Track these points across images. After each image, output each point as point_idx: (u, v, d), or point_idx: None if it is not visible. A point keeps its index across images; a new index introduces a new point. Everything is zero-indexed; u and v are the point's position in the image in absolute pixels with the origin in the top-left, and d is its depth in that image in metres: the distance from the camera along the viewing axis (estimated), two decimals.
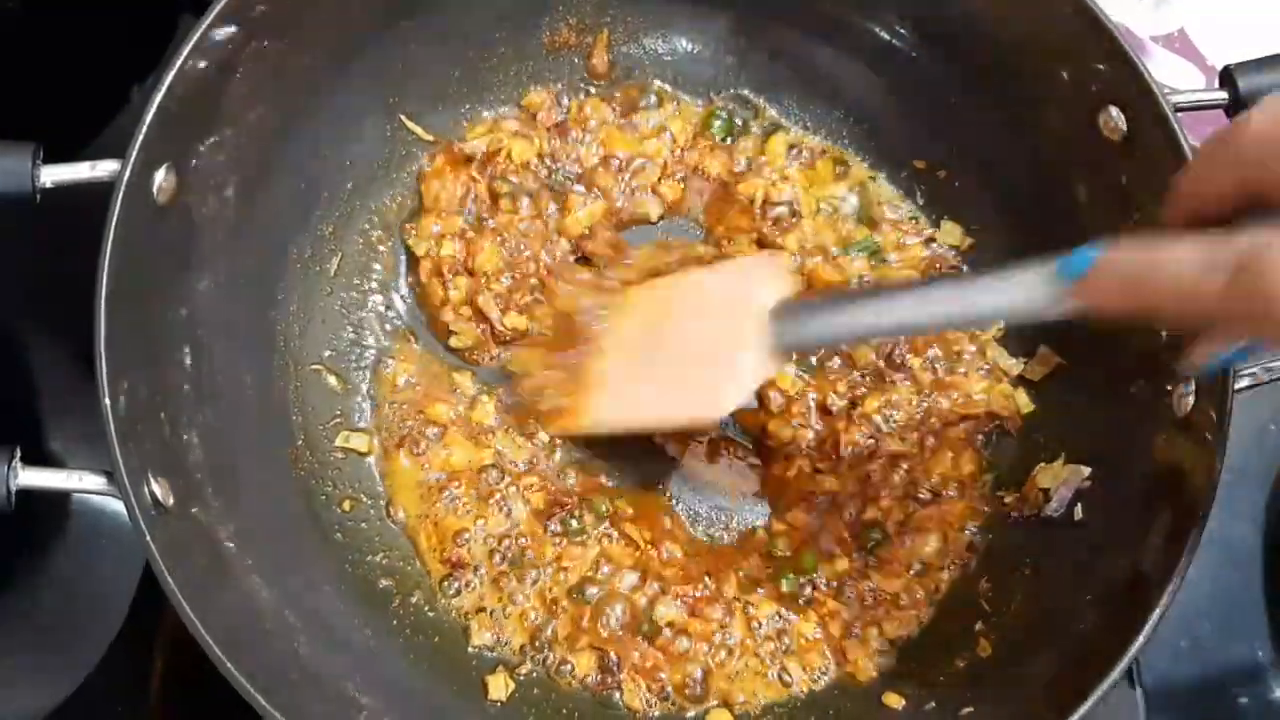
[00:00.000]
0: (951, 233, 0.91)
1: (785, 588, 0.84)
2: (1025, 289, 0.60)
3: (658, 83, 0.95)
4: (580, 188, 0.92)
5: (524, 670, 0.83)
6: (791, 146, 0.94)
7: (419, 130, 0.92)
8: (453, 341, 0.90)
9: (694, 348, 0.75)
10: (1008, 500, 0.85)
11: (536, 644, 0.83)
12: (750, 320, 0.71)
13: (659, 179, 0.92)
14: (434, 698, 0.81)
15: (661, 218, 0.93)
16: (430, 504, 0.86)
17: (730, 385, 0.71)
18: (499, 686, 0.81)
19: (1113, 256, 0.55)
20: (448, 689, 0.82)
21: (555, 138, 0.92)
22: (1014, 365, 0.88)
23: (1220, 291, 0.50)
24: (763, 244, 0.90)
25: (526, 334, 0.88)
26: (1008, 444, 0.88)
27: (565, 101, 0.94)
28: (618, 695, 0.82)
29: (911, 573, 0.84)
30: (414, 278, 0.91)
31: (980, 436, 0.88)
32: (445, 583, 0.84)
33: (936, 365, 0.88)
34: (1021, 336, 0.89)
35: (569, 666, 0.82)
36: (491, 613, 0.84)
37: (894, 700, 0.80)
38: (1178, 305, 0.52)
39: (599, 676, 0.82)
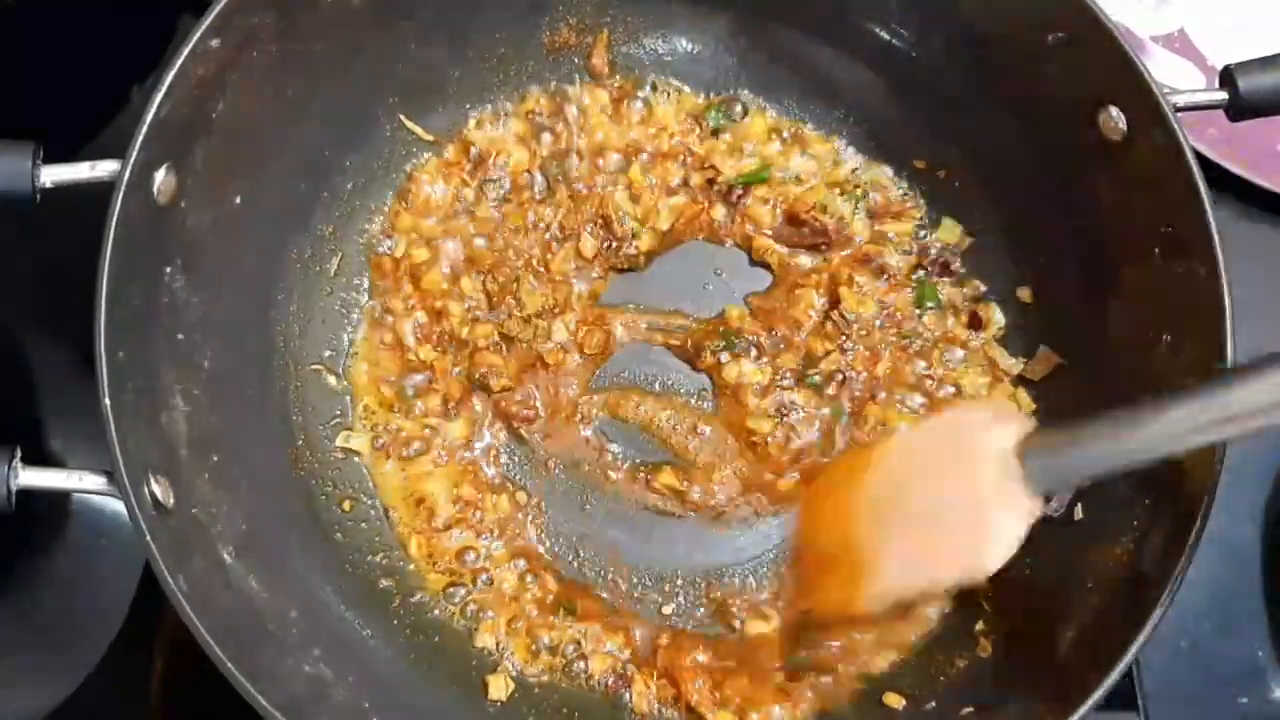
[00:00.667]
0: (951, 230, 0.91)
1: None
2: None
3: (655, 77, 0.95)
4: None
5: (531, 670, 0.83)
6: (773, 130, 0.95)
7: (419, 130, 0.92)
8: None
9: (941, 510, 0.71)
10: None
11: (540, 648, 0.84)
12: (992, 467, 0.67)
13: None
14: (434, 697, 0.81)
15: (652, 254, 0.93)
16: (415, 516, 0.87)
17: (991, 544, 0.67)
18: (499, 687, 0.81)
19: None
20: (448, 689, 0.82)
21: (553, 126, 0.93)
22: (1014, 365, 0.88)
23: None
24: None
25: (431, 366, 0.89)
26: None
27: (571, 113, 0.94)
28: (627, 697, 0.82)
29: None
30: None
31: None
32: (449, 590, 0.85)
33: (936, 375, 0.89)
34: (1022, 337, 0.89)
35: (583, 665, 0.82)
36: (494, 619, 0.84)
37: (894, 700, 0.80)
38: None
39: (613, 679, 0.82)
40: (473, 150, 0.92)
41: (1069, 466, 0.66)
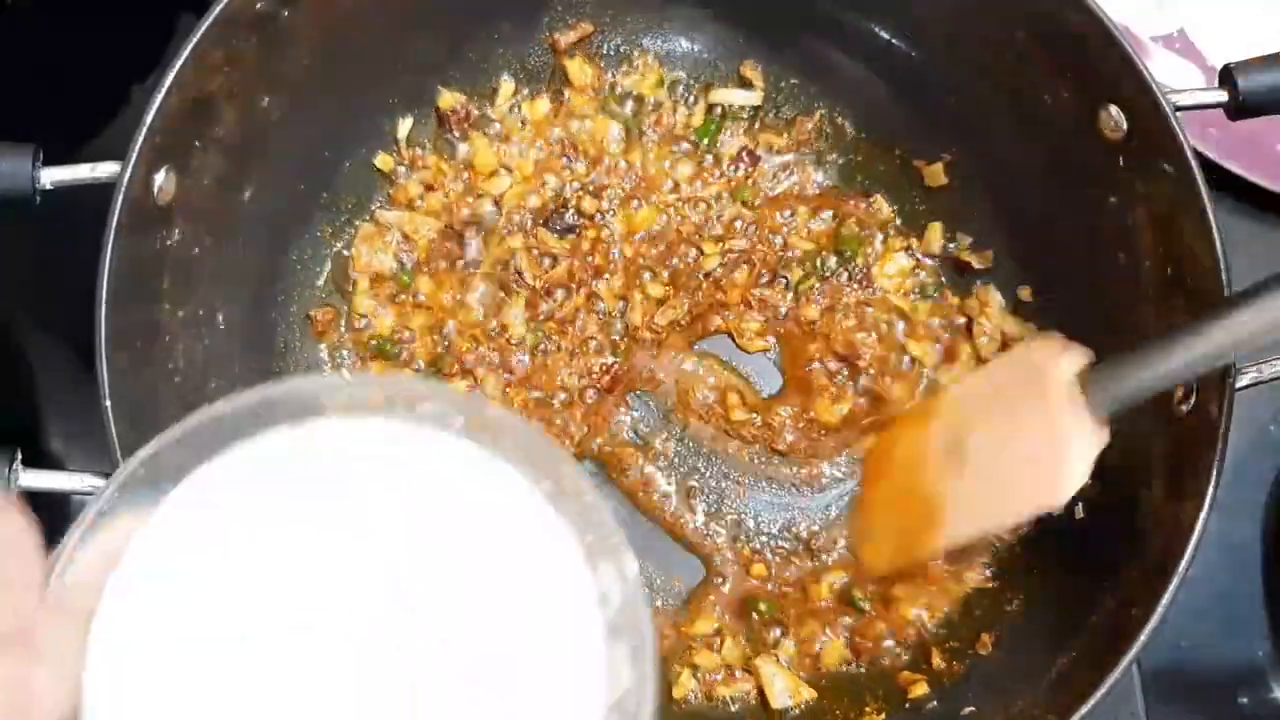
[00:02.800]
0: (935, 232, 0.92)
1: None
2: None
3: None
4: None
5: None
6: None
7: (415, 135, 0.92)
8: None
9: (1016, 443, 0.72)
10: None
11: None
12: (1059, 399, 0.69)
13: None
14: None
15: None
16: None
17: (1067, 469, 0.68)
18: None
19: None
20: None
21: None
22: (1027, 329, 0.89)
23: None
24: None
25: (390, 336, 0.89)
26: None
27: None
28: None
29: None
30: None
31: None
32: None
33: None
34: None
35: None
36: None
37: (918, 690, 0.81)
38: None
39: None
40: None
41: (1131, 387, 0.67)
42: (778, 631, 0.84)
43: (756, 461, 0.88)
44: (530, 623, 0.38)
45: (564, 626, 0.38)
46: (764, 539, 0.87)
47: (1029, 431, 0.70)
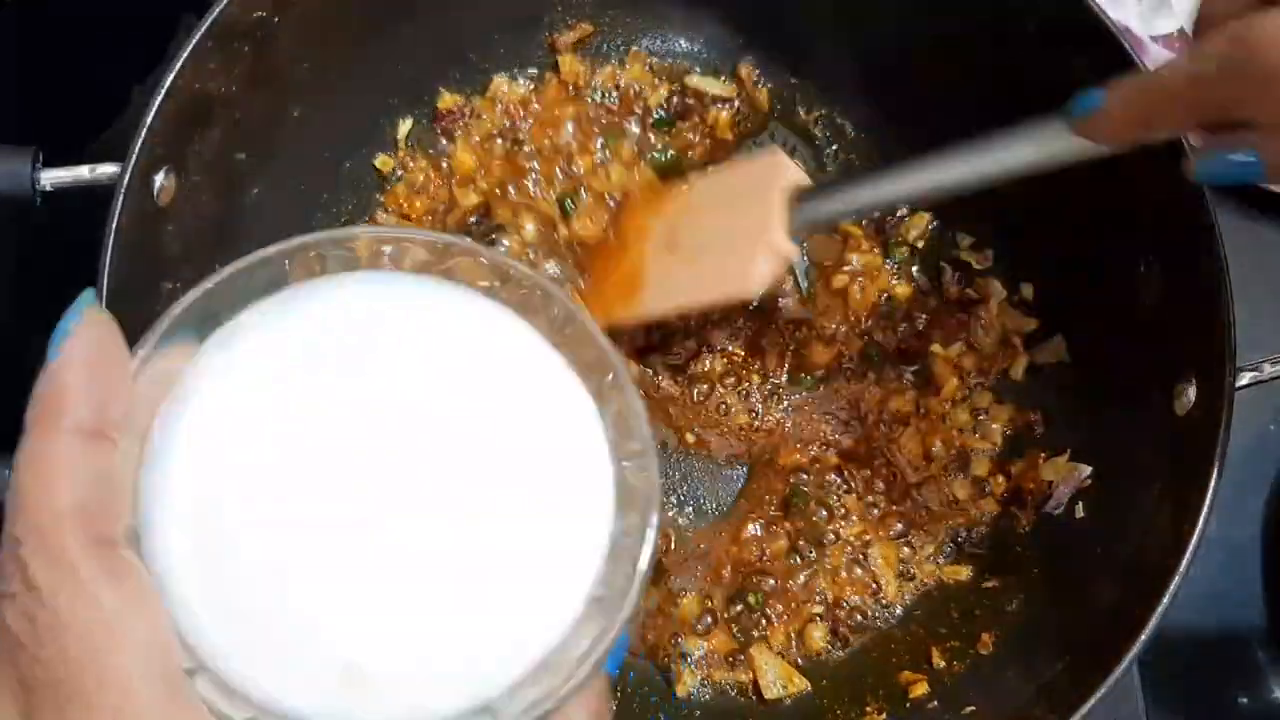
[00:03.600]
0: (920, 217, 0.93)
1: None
2: (1038, 140, 0.64)
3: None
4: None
5: None
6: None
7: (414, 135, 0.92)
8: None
9: (722, 236, 0.79)
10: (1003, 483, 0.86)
11: None
12: (772, 207, 0.75)
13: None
14: None
15: None
16: None
17: (759, 263, 0.76)
18: None
19: (1116, 84, 0.59)
20: None
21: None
22: (1029, 322, 0.89)
23: (1214, 78, 0.52)
24: None
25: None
26: (1010, 438, 0.88)
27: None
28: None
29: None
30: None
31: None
32: None
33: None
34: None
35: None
36: None
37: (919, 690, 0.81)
38: (1181, 110, 0.55)
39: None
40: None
41: (829, 208, 0.75)
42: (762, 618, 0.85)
43: None
44: (545, 456, 0.40)
45: (576, 459, 0.41)
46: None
47: (736, 227, 0.78)
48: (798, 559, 0.85)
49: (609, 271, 0.88)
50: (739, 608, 0.84)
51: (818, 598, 0.85)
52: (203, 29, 0.71)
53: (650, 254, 0.85)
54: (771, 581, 0.85)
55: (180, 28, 0.98)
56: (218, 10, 0.71)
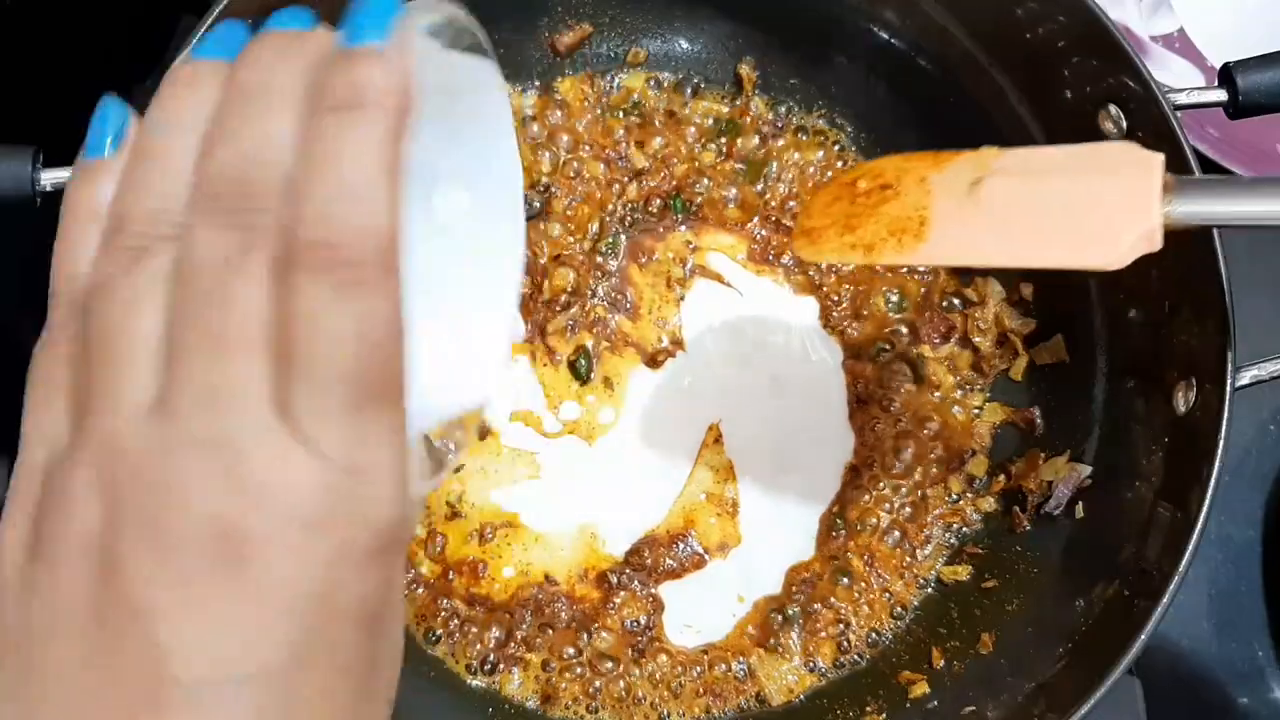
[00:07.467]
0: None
1: None
2: None
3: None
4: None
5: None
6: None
7: None
8: None
9: (1076, 205, 0.66)
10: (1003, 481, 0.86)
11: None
12: (1150, 195, 0.63)
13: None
14: None
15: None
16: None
17: (1128, 240, 0.63)
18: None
19: None
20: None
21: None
22: (1026, 324, 0.89)
23: None
24: None
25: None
26: (1010, 438, 0.88)
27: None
28: None
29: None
30: None
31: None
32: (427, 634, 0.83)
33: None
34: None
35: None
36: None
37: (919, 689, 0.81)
38: None
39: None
40: None
41: (1214, 210, 0.62)
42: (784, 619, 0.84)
43: None
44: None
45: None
46: None
47: (1093, 200, 0.65)
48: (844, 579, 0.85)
49: (850, 206, 0.71)
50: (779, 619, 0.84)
51: (840, 613, 0.85)
52: (202, 29, 0.71)
53: (940, 204, 0.68)
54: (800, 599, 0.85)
55: (180, 28, 0.98)
56: (217, 10, 0.71)
